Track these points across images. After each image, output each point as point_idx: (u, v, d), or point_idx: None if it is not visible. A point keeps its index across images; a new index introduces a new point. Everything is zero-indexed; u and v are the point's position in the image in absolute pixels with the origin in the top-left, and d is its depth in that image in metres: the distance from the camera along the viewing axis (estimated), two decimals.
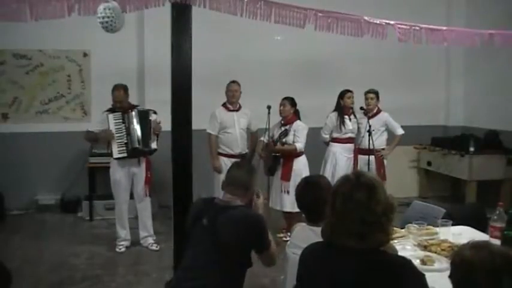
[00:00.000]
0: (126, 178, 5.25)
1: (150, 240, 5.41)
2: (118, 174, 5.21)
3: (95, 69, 6.80)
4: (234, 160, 5.67)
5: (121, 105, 5.19)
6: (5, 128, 6.68)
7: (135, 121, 5.17)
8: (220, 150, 5.67)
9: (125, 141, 5.14)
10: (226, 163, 5.59)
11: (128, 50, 6.80)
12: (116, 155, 5.13)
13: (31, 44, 6.61)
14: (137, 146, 5.16)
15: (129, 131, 5.14)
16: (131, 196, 5.40)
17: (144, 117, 5.23)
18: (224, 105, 5.71)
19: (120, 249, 5.26)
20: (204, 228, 2.57)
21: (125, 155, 5.14)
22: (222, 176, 5.45)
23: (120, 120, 5.16)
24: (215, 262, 2.50)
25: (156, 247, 5.36)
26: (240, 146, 5.67)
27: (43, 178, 6.75)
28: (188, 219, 2.74)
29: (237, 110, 5.70)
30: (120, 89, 5.19)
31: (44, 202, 6.73)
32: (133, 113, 5.19)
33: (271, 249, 2.66)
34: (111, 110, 5.23)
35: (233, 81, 5.67)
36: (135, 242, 5.42)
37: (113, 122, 5.12)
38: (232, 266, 2.54)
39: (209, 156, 5.64)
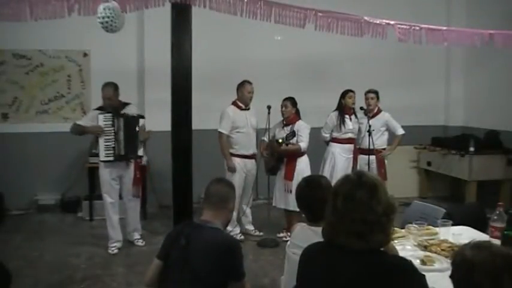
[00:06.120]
0: (114, 180, 5.22)
1: (137, 235, 5.44)
2: (106, 176, 5.18)
3: (95, 69, 6.78)
4: (248, 161, 5.58)
5: (110, 103, 5.11)
6: (5, 128, 6.67)
7: (123, 128, 5.10)
8: (233, 151, 5.51)
9: (113, 145, 5.08)
10: (239, 164, 5.50)
11: (128, 50, 6.79)
12: (102, 157, 5.10)
13: (31, 44, 6.60)
14: (123, 153, 5.13)
15: (117, 137, 5.08)
16: (120, 197, 5.40)
17: (132, 124, 5.16)
18: (235, 103, 5.59)
19: (112, 250, 5.19)
20: (180, 250, 2.48)
21: (112, 159, 5.10)
22: (237, 176, 5.43)
23: (110, 123, 5.08)
24: None
25: (142, 243, 5.41)
26: (253, 146, 5.63)
27: (43, 178, 6.74)
28: (166, 241, 2.62)
29: (248, 110, 5.63)
30: (109, 86, 5.13)
31: (44, 202, 6.72)
32: (122, 119, 5.11)
33: (243, 282, 2.52)
34: (101, 109, 5.17)
35: (249, 82, 5.55)
36: (129, 241, 5.42)
37: (102, 123, 5.05)
38: None
39: (222, 156, 5.52)
